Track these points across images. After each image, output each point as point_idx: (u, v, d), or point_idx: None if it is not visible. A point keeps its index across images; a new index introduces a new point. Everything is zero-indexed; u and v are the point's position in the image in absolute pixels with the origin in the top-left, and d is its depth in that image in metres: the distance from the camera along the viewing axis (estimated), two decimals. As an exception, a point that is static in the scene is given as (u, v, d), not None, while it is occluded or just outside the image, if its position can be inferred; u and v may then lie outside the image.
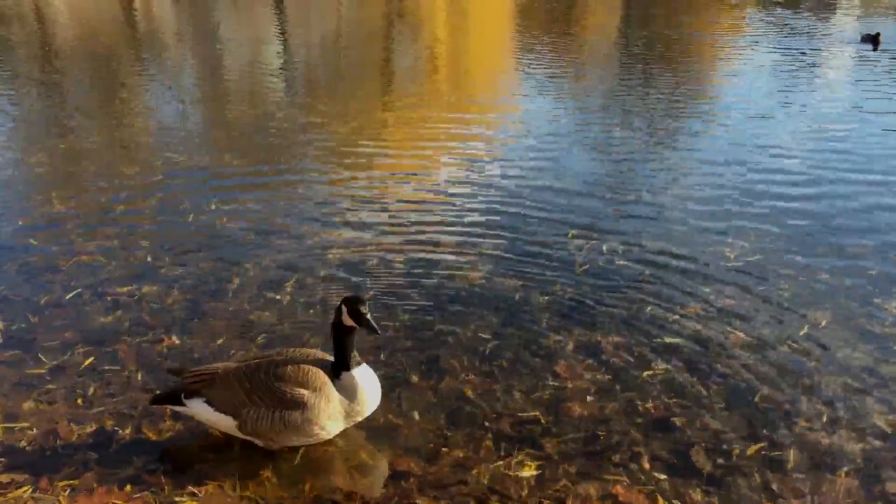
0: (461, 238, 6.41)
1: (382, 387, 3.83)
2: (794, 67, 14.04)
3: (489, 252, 6.14)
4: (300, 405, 3.61)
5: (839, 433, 4.01)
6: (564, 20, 22.61)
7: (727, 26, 20.00)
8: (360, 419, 3.81)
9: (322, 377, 3.68)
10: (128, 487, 3.59)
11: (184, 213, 6.98)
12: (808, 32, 18.26)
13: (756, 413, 4.16)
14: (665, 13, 23.74)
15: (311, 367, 3.69)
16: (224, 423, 3.75)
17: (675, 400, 4.26)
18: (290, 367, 3.67)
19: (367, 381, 3.74)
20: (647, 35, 19.06)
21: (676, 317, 5.12)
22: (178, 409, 3.87)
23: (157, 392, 4.03)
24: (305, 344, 4.72)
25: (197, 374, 3.78)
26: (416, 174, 8.19)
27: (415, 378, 4.44)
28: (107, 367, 4.53)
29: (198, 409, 3.77)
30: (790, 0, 24.86)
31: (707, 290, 5.50)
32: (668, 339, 4.86)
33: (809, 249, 6.18)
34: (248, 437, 3.77)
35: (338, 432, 3.81)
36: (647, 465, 3.76)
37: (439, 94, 12.81)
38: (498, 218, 6.85)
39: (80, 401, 4.23)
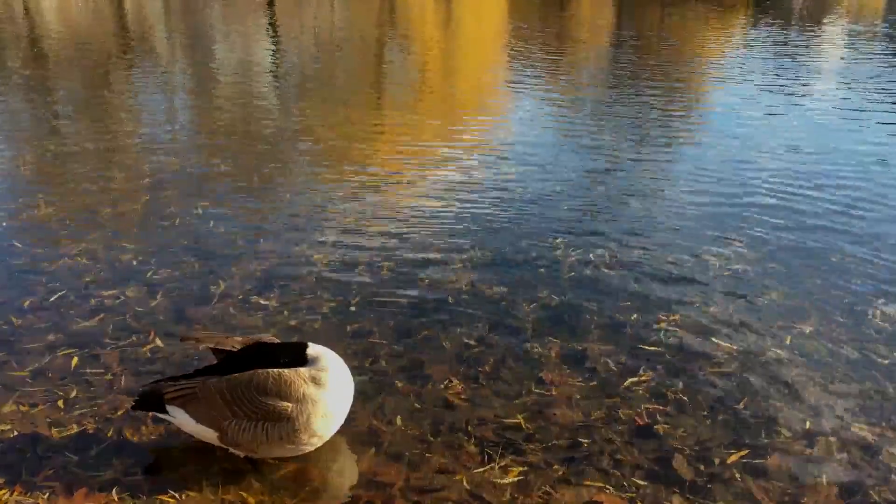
0: (448, 244, 6.42)
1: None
2: (784, 82, 14.15)
3: (475, 258, 6.15)
4: (284, 417, 3.56)
5: (821, 442, 4.02)
6: (556, 34, 22.72)
7: (720, 42, 20.15)
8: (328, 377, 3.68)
9: (299, 381, 3.59)
10: (108, 490, 3.57)
11: (170, 216, 6.96)
12: (799, 47, 18.41)
13: (739, 421, 4.18)
14: (657, 30, 23.89)
15: (291, 375, 3.61)
16: (205, 433, 3.70)
17: (658, 407, 4.28)
18: (271, 378, 3.59)
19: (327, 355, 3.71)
20: (637, 51, 19.17)
21: (662, 325, 5.14)
22: (160, 416, 3.83)
23: (141, 388, 3.91)
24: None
25: (176, 389, 3.70)
26: (404, 181, 8.20)
27: (398, 383, 4.43)
28: (89, 370, 4.51)
29: (180, 418, 3.72)
30: (783, 15, 25.06)
31: (693, 298, 5.53)
32: (653, 347, 4.87)
33: (795, 259, 6.23)
34: (229, 448, 3.73)
35: (326, 430, 3.72)
36: (629, 472, 3.77)
37: (429, 102, 12.84)
38: (485, 224, 6.87)
39: (61, 403, 4.20)
